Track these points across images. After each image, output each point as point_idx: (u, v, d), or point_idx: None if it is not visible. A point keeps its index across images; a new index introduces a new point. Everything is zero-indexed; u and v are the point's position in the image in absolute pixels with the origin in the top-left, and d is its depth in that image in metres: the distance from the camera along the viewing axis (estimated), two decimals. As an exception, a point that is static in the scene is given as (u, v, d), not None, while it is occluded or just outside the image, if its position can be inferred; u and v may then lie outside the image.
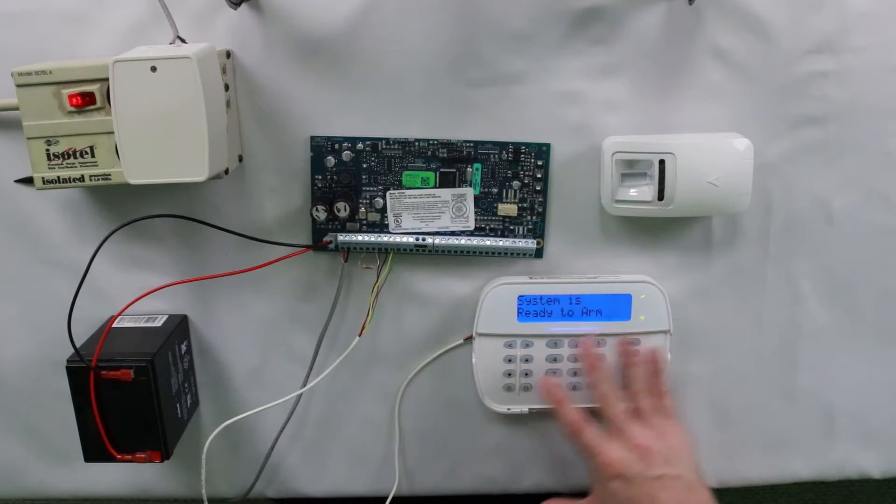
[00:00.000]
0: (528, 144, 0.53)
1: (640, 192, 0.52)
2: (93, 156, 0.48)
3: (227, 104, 0.49)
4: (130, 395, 0.50)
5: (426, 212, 0.55)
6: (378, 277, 0.56)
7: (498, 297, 0.56)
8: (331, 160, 0.54)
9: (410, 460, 0.62)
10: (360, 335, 0.57)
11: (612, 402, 0.54)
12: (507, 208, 0.55)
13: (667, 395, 0.55)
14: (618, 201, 0.53)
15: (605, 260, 0.57)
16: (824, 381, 0.60)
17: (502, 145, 0.53)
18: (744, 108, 0.53)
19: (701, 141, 0.52)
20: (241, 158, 0.54)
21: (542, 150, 0.54)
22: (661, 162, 0.51)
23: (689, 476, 0.51)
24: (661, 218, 0.55)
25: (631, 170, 0.52)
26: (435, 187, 0.54)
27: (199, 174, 0.44)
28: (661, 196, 0.52)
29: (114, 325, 0.53)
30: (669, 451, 0.52)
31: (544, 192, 0.55)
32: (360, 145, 0.53)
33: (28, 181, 0.53)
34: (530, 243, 0.55)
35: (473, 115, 0.53)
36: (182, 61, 0.42)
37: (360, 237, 0.55)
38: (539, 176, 0.54)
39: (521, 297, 0.55)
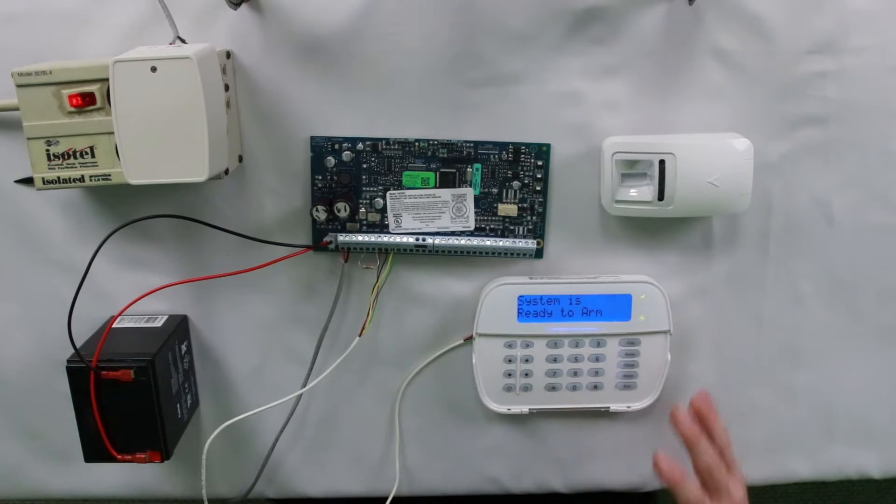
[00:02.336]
0: (528, 144, 0.53)
1: (640, 192, 0.52)
2: (93, 156, 0.48)
3: (227, 104, 0.49)
4: (130, 395, 0.50)
5: (426, 212, 0.55)
6: (378, 277, 0.56)
7: (498, 297, 0.56)
8: (331, 160, 0.54)
9: (410, 460, 0.62)
10: (360, 335, 0.57)
11: (716, 469, 0.53)
12: (507, 208, 0.55)
13: (729, 446, 0.55)
14: (618, 201, 0.53)
15: (605, 260, 0.57)
16: (824, 381, 0.60)
17: (502, 145, 0.53)
18: (744, 108, 0.53)
19: (701, 141, 0.52)
20: (241, 158, 0.54)
21: (542, 150, 0.54)
22: (661, 162, 0.51)
23: None
24: (662, 218, 0.55)
25: (631, 170, 0.52)
26: (435, 187, 0.54)
27: (199, 174, 0.44)
28: (661, 196, 0.51)
29: (114, 325, 0.53)
30: None
31: (544, 192, 0.55)
32: (360, 145, 0.53)
33: (28, 181, 0.53)
34: (530, 243, 0.55)
35: (473, 115, 0.53)
36: (182, 61, 0.42)
37: (360, 237, 0.55)
38: (539, 176, 0.54)
39: (521, 298, 0.55)
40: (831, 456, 0.62)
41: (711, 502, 0.53)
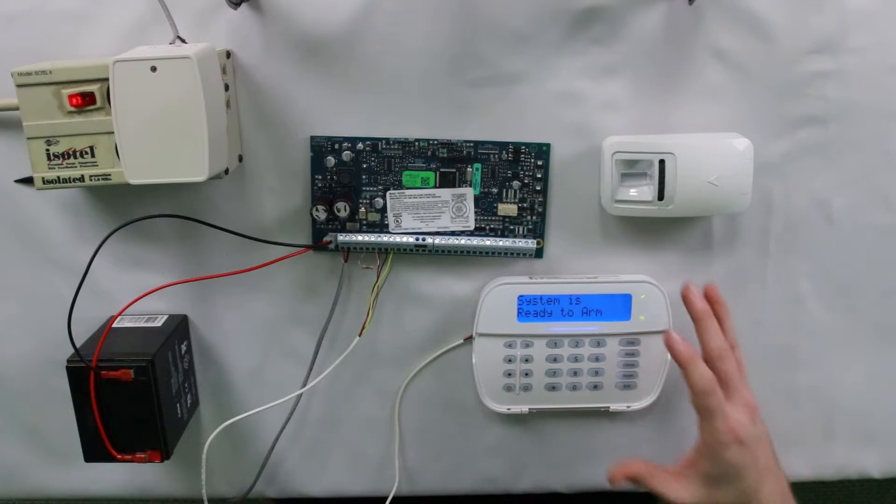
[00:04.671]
0: (528, 144, 0.53)
1: (640, 192, 0.52)
2: (93, 156, 0.48)
3: (227, 104, 0.49)
4: (130, 395, 0.50)
5: (426, 212, 0.55)
6: (378, 277, 0.56)
7: (498, 297, 0.56)
8: (331, 160, 0.54)
9: (410, 460, 0.62)
10: (360, 335, 0.57)
11: (727, 358, 0.51)
12: (507, 208, 0.55)
13: (737, 346, 0.54)
14: (618, 201, 0.53)
15: (605, 260, 0.57)
16: (824, 381, 0.60)
17: (502, 145, 0.53)
18: (744, 108, 0.53)
19: (701, 141, 0.52)
20: (241, 158, 0.54)
21: (542, 150, 0.54)
22: (661, 162, 0.51)
23: (764, 429, 0.52)
24: (662, 218, 0.55)
25: (631, 170, 0.52)
26: (435, 187, 0.54)
27: (199, 174, 0.44)
28: (661, 196, 0.51)
29: (114, 325, 0.53)
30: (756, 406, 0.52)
31: (544, 192, 0.55)
32: (360, 145, 0.53)
33: (28, 181, 0.53)
34: (530, 243, 0.55)
35: (473, 115, 0.53)
36: (182, 61, 0.42)
37: (360, 237, 0.55)
38: (539, 176, 0.54)
39: (521, 297, 0.55)
40: (831, 456, 0.62)
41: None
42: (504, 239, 0.55)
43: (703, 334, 0.52)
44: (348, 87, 0.52)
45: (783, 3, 0.51)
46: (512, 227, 0.55)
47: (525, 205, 0.55)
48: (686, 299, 0.53)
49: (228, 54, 0.51)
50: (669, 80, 0.53)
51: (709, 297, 0.54)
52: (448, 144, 0.53)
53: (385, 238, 0.55)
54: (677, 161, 0.50)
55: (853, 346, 0.59)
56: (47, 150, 0.48)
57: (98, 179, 0.48)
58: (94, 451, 0.51)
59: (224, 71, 0.49)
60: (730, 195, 0.51)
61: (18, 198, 0.54)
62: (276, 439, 0.59)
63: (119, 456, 0.51)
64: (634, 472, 0.54)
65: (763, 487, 0.51)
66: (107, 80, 0.45)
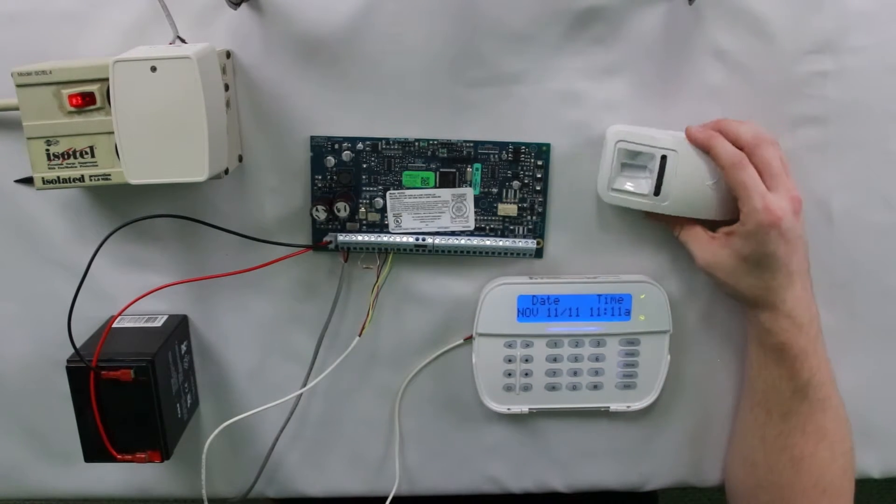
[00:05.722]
0: (528, 144, 0.53)
1: (637, 184, 0.52)
2: (93, 156, 0.48)
3: (227, 104, 0.49)
4: (130, 395, 0.50)
5: (426, 212, 0.55)
6: (378, 277, 0.56)
7: (498, 297, 0.56)
8: (331, 160, 0.54)
9: (410, 460, 0.62)
10: (360, 335, 0.57)
11: (765, 145, 0.49)
12: (507, 208, 0.55)
13: (777, 144, 0.51)
14: (614, 190, 0.53)
15: (605, 260, 0.57)
16: (824, 381, 0.60)
17: (502, 145, 0.53)
18: (744, 108, 0.53)
19: None
20: (241, 158, 0.54)
21: (542, 150, 0.54)
22: (663, 158, 0.51)
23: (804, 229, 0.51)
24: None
25: (632, 161, 0.52)
26: (435, 187, 0.54)
27: (199, 174, 0.44)
28: (657, 191, 0.51)
29: (114, 325, 0.53)
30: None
31: (544, 192, 0.55)
32: (360, 145, 0.53)
33: (28, 181, 0.53)
34: (530, 243, 0.55)
35: (473, 115, 0.53)
36: (182, 61, 0.42)
37: (360, 237, 0.55)
38: (539, 176, 0.54)
39: (521, 297, 0.55)
40: (831, 456, 0.62)
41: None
42: (504, 239, 0.55)
43: (732, 133, 0.50)
44: (348, 87, 0.52)
45: (783, 3, 0.51)
46: (512, 227, 0.55)
47: (525, 205, 0.55)
48: (693, 139, 0.51)
49: (228, 54, 0.51)
50: (669, 80, 0.53)
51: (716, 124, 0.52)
52: (448, 144, 0.53)
53: (385, 238, 0.55)
54: (679, 159, 0.50)
55: (853, 346, 0.59)
56: (47, 150, 0.48)
57: (98, 179, 0.48)
58: (94, 451, 0.51)
59: (224, 71, 0.49)
60: (725, 201, 0.51)
61: (18, 198, 0.54)
62: (276, 439, 0.59)
63: (119, 456, 0.51)
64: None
65: (790, 291, 0.50)
66: (107, 80, 0.45)
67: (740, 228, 0.50)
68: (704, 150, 0.50)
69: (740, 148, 0.49)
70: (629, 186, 0.52)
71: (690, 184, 0.51)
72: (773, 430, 0.53)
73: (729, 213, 0.52)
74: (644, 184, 0.52)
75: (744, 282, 0.51)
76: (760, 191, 0.48)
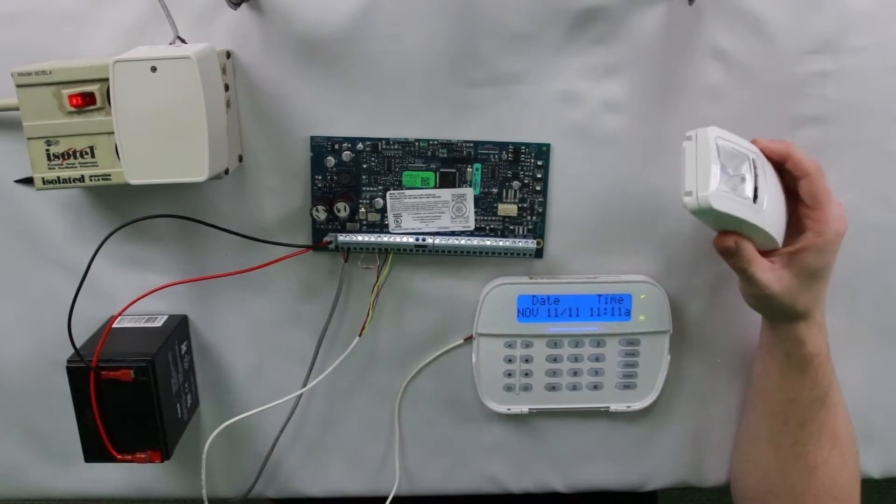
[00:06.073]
0: (528, 144, 0.53)
1: (743, 185, 0.46)
2: (93, 156, 0.48)
3: (227, 104, 0.49)
4: (130, 395, 0.50)
5: (426, 212, 0.55)
6: (378, 277, 0.56)
7: (498, 297, 0.56)
8: (331, 160, 0.54)
9: (410, 460, 0.62)
10: (360, 335, 0.57)
11: (823, 173, 0.48)
12: (507, 208, 0.55)
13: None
14: (716, 193, 0.44)
15: (605, 260, 0.57)
16: (824, 381, 0.60)
17: (502, 145, 0.53)
18: (744, 108, 0.53)
19: None
20: (241, 158, 0.54)
21: (542, 150, 0.54)
22: (753, 161, 0.47)
23: None
24: (662, 218, 0.55)
25: (727, 163, 0.46)
26: (435, 187, 0.54)
27: (199, 174, 0.44)
28: (755, 197, 0.46)
29: (114, 325, 0.53)
30: None
31: (544, 192, 0.55)
32: (360, 145, 0.53)
33: (28, 181, 0.53)
34: (530, 243, 0.55)
35: (473, 115, 0.53)
36: (182, 61, 0.42)
37: (360, 237, 0.55)
38: (539, 176, 0.54)
39: (521, 297, 0.55)
40: (831, 456, 0.62)
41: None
42: (504, 239, 0.55)
43: (797, 156, 0.48)
44: (348, 87, 0.52)
45: (783, 3, 0.51)
46: (512, 228, 0.55)
47: (525, 205, 0.55)
48: (767, 148, 0.49)
49: (228, 54, 0.51)
50: (669, 80, 0.53)
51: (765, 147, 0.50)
52: (448, 144, 0.53)
53: (385, 238, 0.55)
54: (765, 166, 0.48)
55: (853, 346, 0.59)
56: (47, 150, 0.48)
57: (98, 179, 0.48)
58: (94, 451, 0.51)
59: (224, 71, 0.49)
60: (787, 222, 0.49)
61: (18, 198, 0.54)
62: (276, 439, 0.59)
63: (119, 456, 0.51)
64: (738, 244, 0.48)
65: (823, 294, 0.51)
66: (107, 80, 0.45)
67: (817, 240, 0.48)
68: (780, 159, 0.48)
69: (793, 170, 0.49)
70: (745, 188, 0.45)
71: (773, 196, 0.47)
72: (789, 439, 0.53)
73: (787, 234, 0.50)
74: (746, 188, 0.46)
75: (801, 297, 0.50)
76: (834, 199, 0.48)
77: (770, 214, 0.47)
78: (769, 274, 0.49)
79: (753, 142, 0.49)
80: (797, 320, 0.51)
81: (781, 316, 0.52)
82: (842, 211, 0.49)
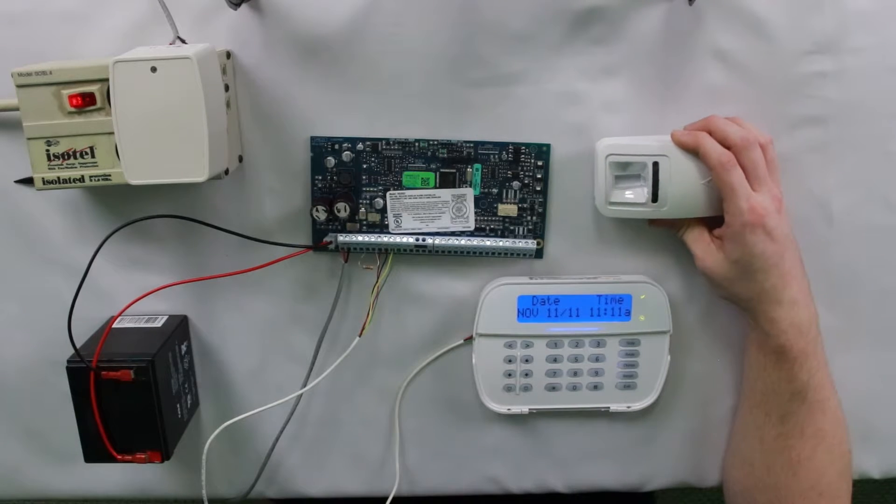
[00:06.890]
0: (528, 145, 0.53)
1: (635, 193, 0.52)
2: (93, 156, 0.48)
3: (227, 104, 0.49)
4: (130, 395, 0.50)
5: (426, 212, 0.55)
6: (378, 278, 0.56)
7: (498, 297, 0.56)
8: (331, 160, 0.54)
9: (410, 460, 0.62)
10: (360, 335, 0.57)
11: (752, 147, 0.49)
12: (507, 208, 0.55)
13: (771, 143, 0.51)
14: (612, 203, 0.53)
15: (605, 260, 0.57)
16: (824, 381, 0.60)
17: (502, 145, 0.53)
18: (744, 107, 0.53)
19: None
20: (241, 158, 0.54)
21: (542, 151, 0.54)
22: (655, 164, 0.51)
23: (790, 228, 0.51)
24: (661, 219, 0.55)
25: (625, 172, 0.53)
26: (435, 188, 0.54)
27: (199, 174, 0.44)
28: (654, 198, 0.52)
29: (114, 325, 0.53)
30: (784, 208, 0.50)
31: (544, 192, 0.55)
32: (360, 146, 0.53)
33: (28, 181, 0.53)
34: (530, 243, 0.55)
35: (473, 115, 0.53)
36: (182, 62, 0.42)
37: (360, 237, 0.55)
38: (539, 176, 0.54)
39: (521, 298, 0.55)
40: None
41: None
42: (504, 239, 0.55)
43: (720, 132, 0.49)
44: (348, 87, 0.52)
45: (783, 3, 0.51)
46: (512, 228, 0.55)
47: (525, 205, 0.55)
48: (680, 143, 0.51)
49: (228, 55, 0.51)
50: (669, 80, 0.53)
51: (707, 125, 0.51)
52: (448, 145, 0.53)
53: (385, 238, 0.55)
54: (671, 163, 0.50)
55: (853, 346, 0.59)
56: (47, 150, 0.48)
57: (98, 180, 0.48)
58: (94, 452, 0.51)
59: (224, 71, 0.49)
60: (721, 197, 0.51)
61: (18, 198, 0.54)
62: (277, 439, 0.59)
63: (119, 456, 0.51)
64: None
65: (786, 293, 0.50)
66: (107, 80, 0.45)
67: (727, 231, 0.50)
68: (693, 152, 0.50)
69: (728, 147, 0.49)
70: (629, 196, 0.52)
71: (686, 185, 0.51)
72: (772, 432, 0.53)
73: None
74: (641, 192, 0.52)
75: (738, 286, 0.51)
76: (746, 192, 0.48)
77: (678, 207, 0.52)
78: (702, 245, 0.52)
79: (672, 134, 0.51)
80: (755, 312, 0.52)
81: (736, 302, 0.53)
82: (763, 203, 0.48)
